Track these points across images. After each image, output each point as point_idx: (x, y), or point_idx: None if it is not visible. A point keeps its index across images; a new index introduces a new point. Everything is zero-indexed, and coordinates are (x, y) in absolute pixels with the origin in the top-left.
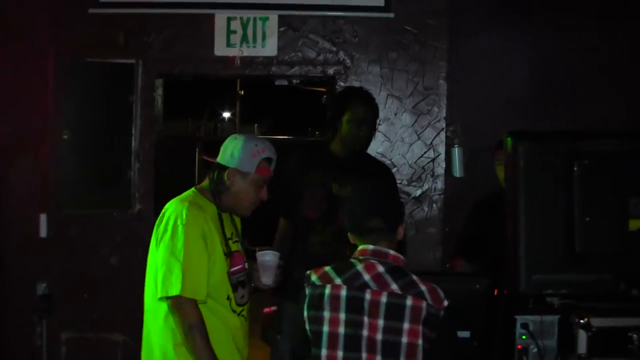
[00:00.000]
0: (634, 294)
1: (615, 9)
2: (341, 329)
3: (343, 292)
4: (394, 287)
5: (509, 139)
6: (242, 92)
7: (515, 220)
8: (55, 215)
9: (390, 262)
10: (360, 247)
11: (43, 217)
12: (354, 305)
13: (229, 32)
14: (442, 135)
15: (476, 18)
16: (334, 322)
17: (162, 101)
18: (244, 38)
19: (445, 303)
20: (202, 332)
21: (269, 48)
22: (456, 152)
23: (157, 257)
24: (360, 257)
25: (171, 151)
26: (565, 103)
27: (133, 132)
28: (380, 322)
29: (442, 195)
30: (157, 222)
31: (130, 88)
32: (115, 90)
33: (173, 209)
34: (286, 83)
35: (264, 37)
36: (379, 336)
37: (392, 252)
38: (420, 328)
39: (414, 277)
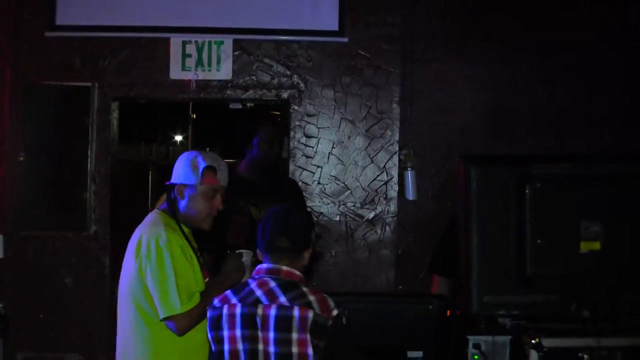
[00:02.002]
0: (584, 315)
1: (572, 38)
2: (239, 345)
3: (237, 310)
4: (283, 299)
5: (461, 162)
6: (194, 116)
7: (467, 242)
8: (12, 236)
9: (283, 278)
10: (258, 267)
11: (0, 238)
12: (248, 321)
13: (184, 55)
14: (395, 158)
15: (430, 43)
16: (232, 339)
17: (117, 124)
18: (199, 62)
19: (335, 312)
20: (203, 304)
21: (224, 72)
22: (409, 175)
23: (140, 284)
24: (256, 276)
25: (124, 175)
26: (518, 130)
27: (89, 154)
28: (271, 335)
29: (395, 218)
30: (134, 250)
31: (86, 111)
32: (71, 113)
33: (150, 234)
34: (240, 106)
35: (218, 61)
36: (272, 348)
37: (285, 267)
38: (308, 337)
39: (305, 289)
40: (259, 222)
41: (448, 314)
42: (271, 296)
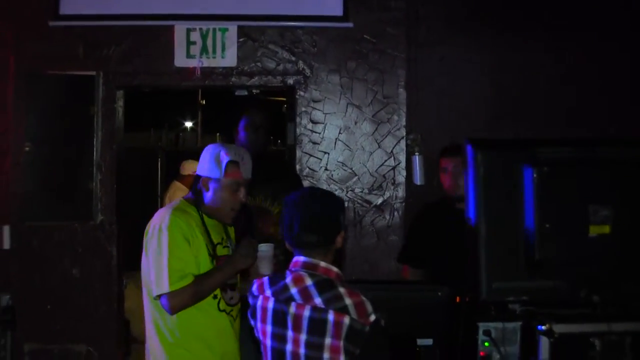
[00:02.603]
0: (594, 300)
1: (575, 22)
2: (269, 341)
3: (270, 304)
4: (318, 301)
5: (468, 146)
6: (204, 102)
7: (474, 228)
8: (18, 226)
9: (320, 275)
10: (294, 259)
11: (6, 229)
12: (279, 318)
13: (189, 43)
14: (402, 143)
15: (435, 27)
16: (264, 333)
17: (123, 112)
18: (204, 49)
19: (372, 318)
20: (199, 283)
21: (229, 59)
22: (416, 160)
23: (146, 263)
24: (292, 269)
25: (133, 162)
26: (524, 113)
27: (94, 143)
28: (303, 337)
29: (403, 203)
30: (145, 233)
31: (91, 100)
32: (76, 102)
33: (158, 217)
34: (246, 93)
35: (223, 48)
36: (302, 350)
37: (323, 264)
38: (341, 344)
39: (342, 290)
40: (255, 209)
41: (458, 300)
42: (306, 295)
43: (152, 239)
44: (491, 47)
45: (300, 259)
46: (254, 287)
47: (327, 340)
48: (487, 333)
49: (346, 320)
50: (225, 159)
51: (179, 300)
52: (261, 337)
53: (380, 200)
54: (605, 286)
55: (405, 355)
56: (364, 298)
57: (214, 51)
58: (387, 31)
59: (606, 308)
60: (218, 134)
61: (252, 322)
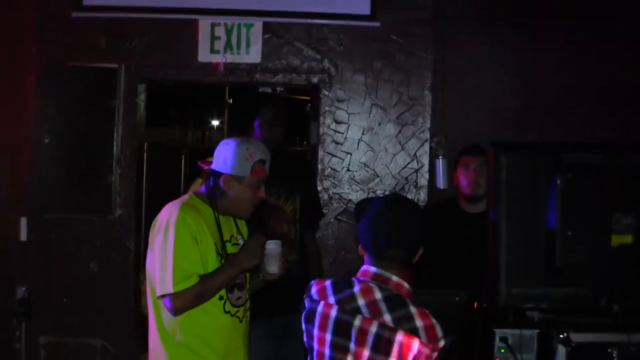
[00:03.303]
0: (614, 310)
1: (604, 21)
2: (327, 350)
3: (333, 313)
4: (387, 318)
5: (492, 149)
6: (231, 101)
7: (495, 233)
8: (36, 219)
9: (390, 289)
10: (364, 267)
11: (23, 221)
12: (342, 329)
13: (213, 38)
14: (426, 146)
15: (463, 28)
16: (321, 341)
17: (144, 107)
18: (228, 44)
19: (442, 343)
20: (202, 284)
21: (253, 55)
22: (440, 163)
23: (151, 259)
24: (361, 278)
25: (158, 159)
26: (552, 115)
27: (115, 137)
28: (366, 353)
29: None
30: (152, 227)
31: (112, 93)
32: (97, 95)
33: (166, 212)
34: (270, 90)
35: (248, 44)
36: None
37: (395, 278)
38: None
39: (413, 310)
40: (272, 207)
41: (475, 306)
42: (374, 310)
43: (159, 234)
44: (519, 47)
45: (371, 269)
46: (313, 291)
47: None
48: (503, 340)
49: (415, 344)
50: (254, 157)
51: (182, 302)
52: (315, 344)
53: None
54: (626, 296)
55: None
56: (434, 321)
57: (239, 47)
58: (415, 31)
59: (626, 318)
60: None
61: (306, 327)
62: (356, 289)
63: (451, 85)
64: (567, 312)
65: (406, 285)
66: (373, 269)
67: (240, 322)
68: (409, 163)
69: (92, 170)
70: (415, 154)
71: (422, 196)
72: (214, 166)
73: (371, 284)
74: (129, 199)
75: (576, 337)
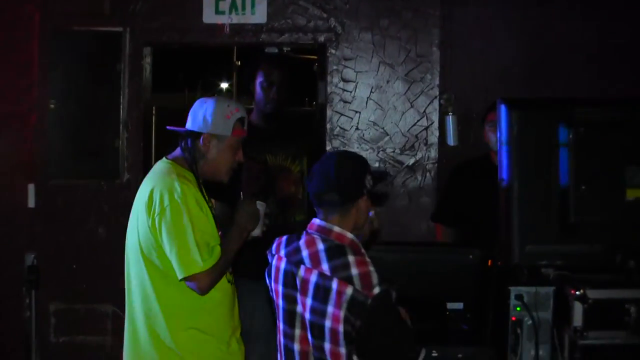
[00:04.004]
0: (630, 265)
1: None
2: (280, 302)
3: (282, 265)
4: (325, 267)
5: (502, 106)
6: (239, 63)
7: (508, 190)
8: (43, 185)
9: (332, 240)
10: (312, 220)
11: (31, 187)
12: (289, 280)
13: None
14: (436, 103)
15: None
16: (276, 293)
17: (150, 70)
18: (233, 5)
19: (376, 290)
20: (224, 258)
21: (259, 15)
22: (450, 120)
23: (151, 240)
24: (308, 231)
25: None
26: (561, 71)
27: (121, 101)
28: (309, 301)
29: (436, 164)
30: (146, 204)
31: (117, 57)
32: (102, 59)
33: (163, 187)
34: (276, 51)
35: (253, 4)
36: (307, 315)
37: (337, 228)
38: (342, 314)
39: (352, 258)
40: (276, 168)
41: (489, 264)
42: (315, 260)
43: (164, 214)
44: (527, 4)
45: (315, 221)
46: (274, 246)
47: (329, 309)
48: (519, 298)
49: (349, 290)
50: (235, 115)
51: (212, 279)
52: (274, 297)
53: (412, 161)
54: None
55: (435, 319)
56: (371, 269)
57: (244, 7)
58: None
59: None
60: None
61: (267, 281)
62: (302, 241)
63: (459, 42)
64: (582, 269)
65: (349, 235)
66: (317, 221)
67: (236, 286)
68: (418, 120)
69: (99, 135)
70: (424, 111)
71: (433, 153)
72: (190, 126)
73: (315, 236)
74: (136, 163)
75: (592, 294)
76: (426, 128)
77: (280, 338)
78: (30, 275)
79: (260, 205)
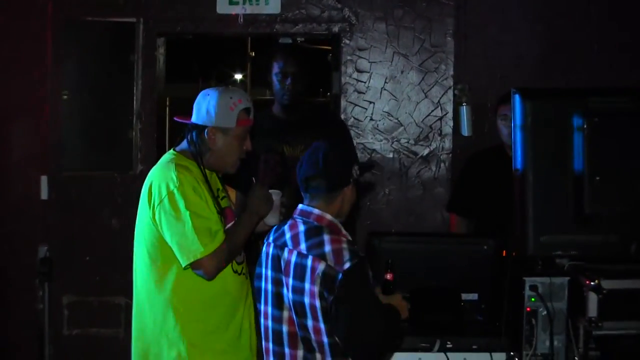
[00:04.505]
0: None
1: None
2: (268, 286)
3: (270, 250)
4: (302, 246)
5: (516, 96)
6: (253, 54)
7: (523, 181)
8: (56, 177)
9: (312, 222)
10: (298, 206)
11: (44, 179)
12: (275, 263)
13: None
14: (450, 93)
15: None
16: (265, 278)
17: (164, 61)
18: None
19: (347, 265)
20: (231, 242)
21: (273, 5)
22: (464, 110)
23: (153, 232)
24: (294, 216)
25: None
26: (577, 60)
27: (134, 92)
28: (290, 281)
29: (450, 155)
30: (147, 197)
31: (131, 47)
32: (115, 49)
33: (160, 176)
34: (290, 41)
35: None
36: (290, 295)
37: (316, 211)
38: (317, 289)
39: (327, 237)
40: (293, 159)
41: (504, 254)
42: (295, 241)
43: (162, 204)
44: None
45: (299, 206)
46: (269, 234)
47: (307, 285)
48: (533, 288)
49: (321, 266)
50: (238, 106)
51: (218, 261)
52: (263, 283)
53: (426, 152)
54: None
55: (450, 309)
56: (345, 245)
57: None
58: None
59: None
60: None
61: (258, 270)
62: (287, 225)
63: (474, 31)
64: (597, 259)
65: (328, 216)
66: (300, 205)
67: (247, 278)
68: (432, 111)
69: (112, 127)
70: (438, 101)
71: (447, 144)
72: (195, 120)
73: (297, 219)
74: (150, 155)
75: (607, 284)
76: (440, 118)
77: (268, 322)
78: (43, 268)
79: (276, 194)
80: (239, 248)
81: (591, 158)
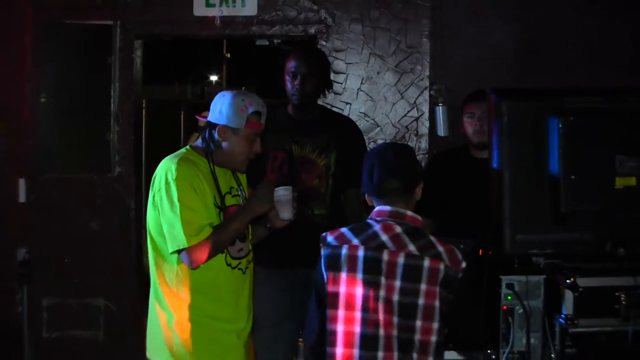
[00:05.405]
0: (620, 253)
1: None
2: (358, 290)
3: (360, 252)
4: (412, 248)
5: (492, 96)
6: (229, 55)
7: (499, 179)
8: (34, 179)
9: (408, 223)
10: (377, 209)
11: (22, 182)
12: (371, 266)
13: None
14: (426, 94)
15: None
16: (351, 282)
17: (141, 63)
18: None
19: (464, 265)
20: (218, 234)
21: (249, 7)
22: (440, 111)
23: (154, 216)
24: (378, 219)
25: (156, 115)
26: (553, 60)
27: (112, 94)
28: (397, 283)
29: (427, 155)
30: (151, 184)
31: (108, 50)
32: (93, 52)
33: (163, 167)
34: (267, 43)
35: None
36: (395, 297)
37: (409, 213)
38: (437, 290)
39: (432, 238)
40: (301, 159)
41: (480, 253)
42: (399, 243)
43: (160, 192)
44: None
45: (385, 208)
46: (330, 238)
47: (423, 286)
48: (510, 287)
49: (441, 267)
50: (249, 109)
51: (201, 254)
52: (343, 288)
53: None
54: (632, 239)
55: None
56: (453, 246)
57: (234, 0)
58: None
59: (632, 261)
60: (243, 87)
61: (328, 273)
62: (377, 227)
63: (450, 32)
64: (573, 257)
65: (419, 217)
66: (388, 207)
67: (244, 273)
68: (408, 111)
69: (90, 128)
70: (414, 102)
71: (423, 144)
72: (210, 118)
73: (390, 222)
74: (128, 156)
75: (583, 282)
76: (416, 119)
77: (354, 327)
78: (22, 270)
79: (286, 189)
80: (227, 241)
81: (567, 157)
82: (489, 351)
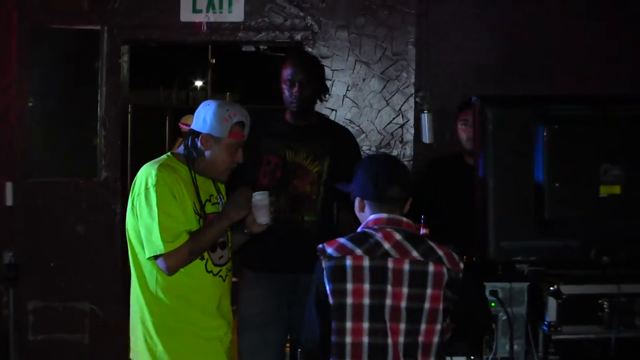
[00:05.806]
0: (604, 261)
1: None
2: (365, 300)
3: (366, 263)
4: (415, 254)
5: (477, 103)
6: (214, 61)
7: (483, 187)
8: (21, 183)
9: (405, 230)
10: (373, 217)
11: (9, 186)
12: (377, 275)
13: None
14: (411, 101)
15: None
16: (357, 293)
17: (128, 68)
18: (210, 3)
19: (462, 266)
20: (194, 241)
21: (236, 14)
22: (425, 117)
23: (133, 222)
24: (375, 227)
25: (142, 120)
26: (537, 68)
27: (99, 99)
28: (405, 290)
29: (412, 162)
30: (131, 189)
31: (95, 55)
32: (80, 57)
33: (144, 172)
34: (253, 49)
35: (230, 3)
36: (403, 304)
37: (405, 219)
38: (442, 292)
39: (430, 242)
40: (294, 165)
41: (465, 260)
42: (402, 250)
43: (139, 197)
44: (504, 2)
45: (382, 215)
46: (330, 250)
47: (429, 291)
48: (494, 293)
49: (444, 270)
50: (233, 119)
51: (176, 260)
52: (349, 299)
53: None
54: (615, 247)
55: None
56: (450, 250)
57: (221, 6)
58: None
59: (616, 269)
60: (228, 93)
61: (332, 285)
62: (378, 236)
63: (435, 39)
64: (556, 265)
65: (413, 224)
66: (384, 215)
67: (224, 280)
68: (394, 118)
69: (77, 133)
70: (400, 109)
71: (408, 151)
72: (193, 126)
73: (388, 229)
74: (114, 161)
75: (566, 289)
76: (402, 126)
77: (362, 338)
78: (8, 273)
79: (262, 194)
80: (204, 248)
81: (551, 165)
82: (472, 357)
